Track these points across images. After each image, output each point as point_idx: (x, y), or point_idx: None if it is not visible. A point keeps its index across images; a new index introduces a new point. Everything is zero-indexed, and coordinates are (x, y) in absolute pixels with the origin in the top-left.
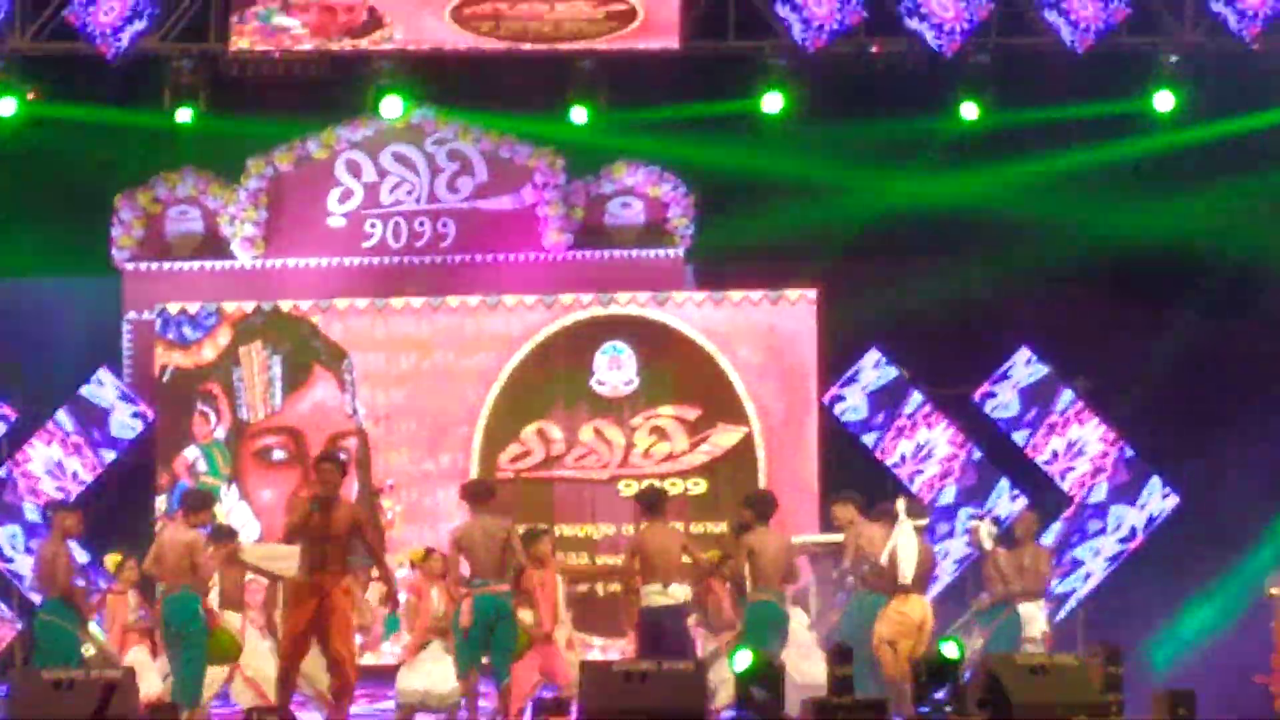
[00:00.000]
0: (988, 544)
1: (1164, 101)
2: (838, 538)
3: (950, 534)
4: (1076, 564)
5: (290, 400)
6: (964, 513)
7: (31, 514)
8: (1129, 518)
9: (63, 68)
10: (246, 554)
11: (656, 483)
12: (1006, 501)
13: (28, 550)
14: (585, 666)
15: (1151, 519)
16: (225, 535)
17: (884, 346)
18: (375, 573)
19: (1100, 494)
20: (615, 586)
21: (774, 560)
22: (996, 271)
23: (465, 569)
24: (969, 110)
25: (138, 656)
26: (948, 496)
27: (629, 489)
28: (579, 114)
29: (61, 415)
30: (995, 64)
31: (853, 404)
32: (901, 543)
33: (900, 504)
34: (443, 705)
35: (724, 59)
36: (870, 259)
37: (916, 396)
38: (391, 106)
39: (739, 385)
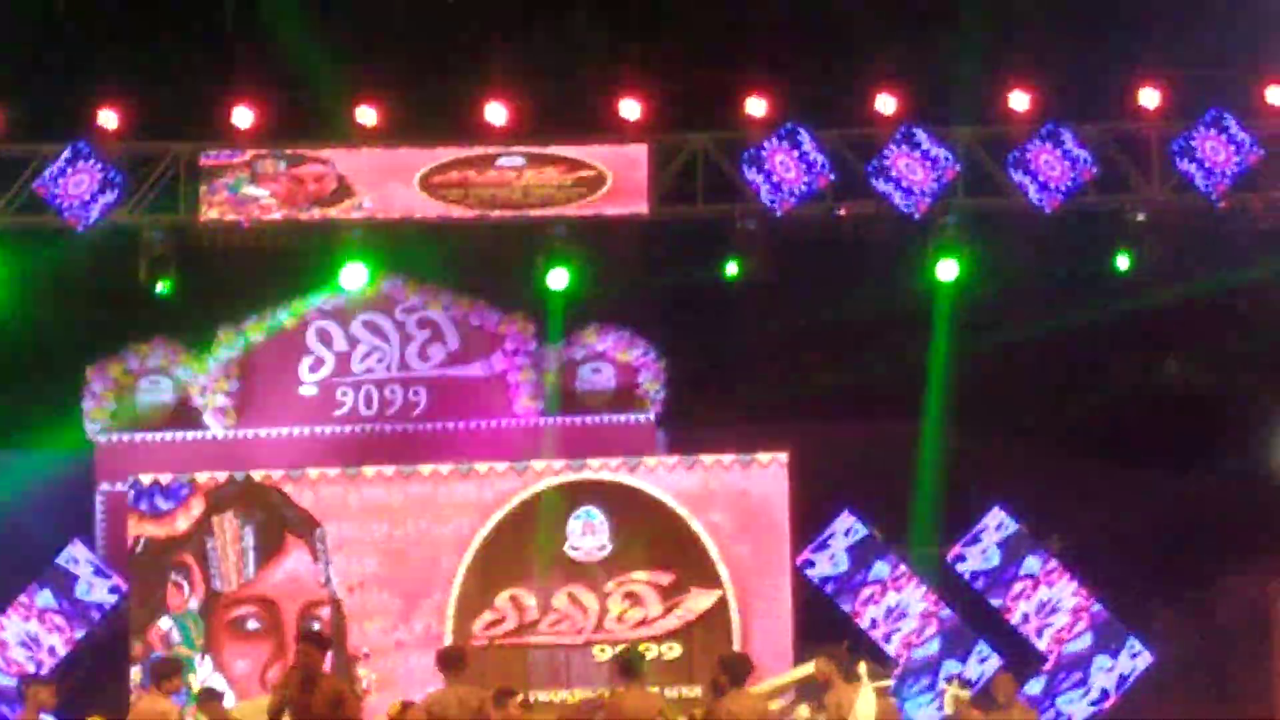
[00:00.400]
0: (950, 708)
1: (1122, 261)
2: (807, 668)
3: (930, 689)
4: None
5: (263, 570)
6: (943, 671)
7: (5, 686)
8: (1100, 678)
9: (34, 239)
10: (235, 712)
11: (637, 647)
12: (975, 663)
13: None
14: None
15: (1124, 678)
16: (211, 697)
17: (856, 508)
18: None
19: (1074, 651)
20: None
21: None
22: (968, 431)
23: None
24: (945, 271)
25: None
26: (921, 656)
27: (603, 654)
28: (557, 278)
29: (35, 588)
30: (964, 225)
31: (826, 566)
32: (861, 707)
33: (862, 666)
34: None
35: (694, 224)
36: (842, 421)
37: (889, 558)
38: (354, 277)
39: (712, 549)
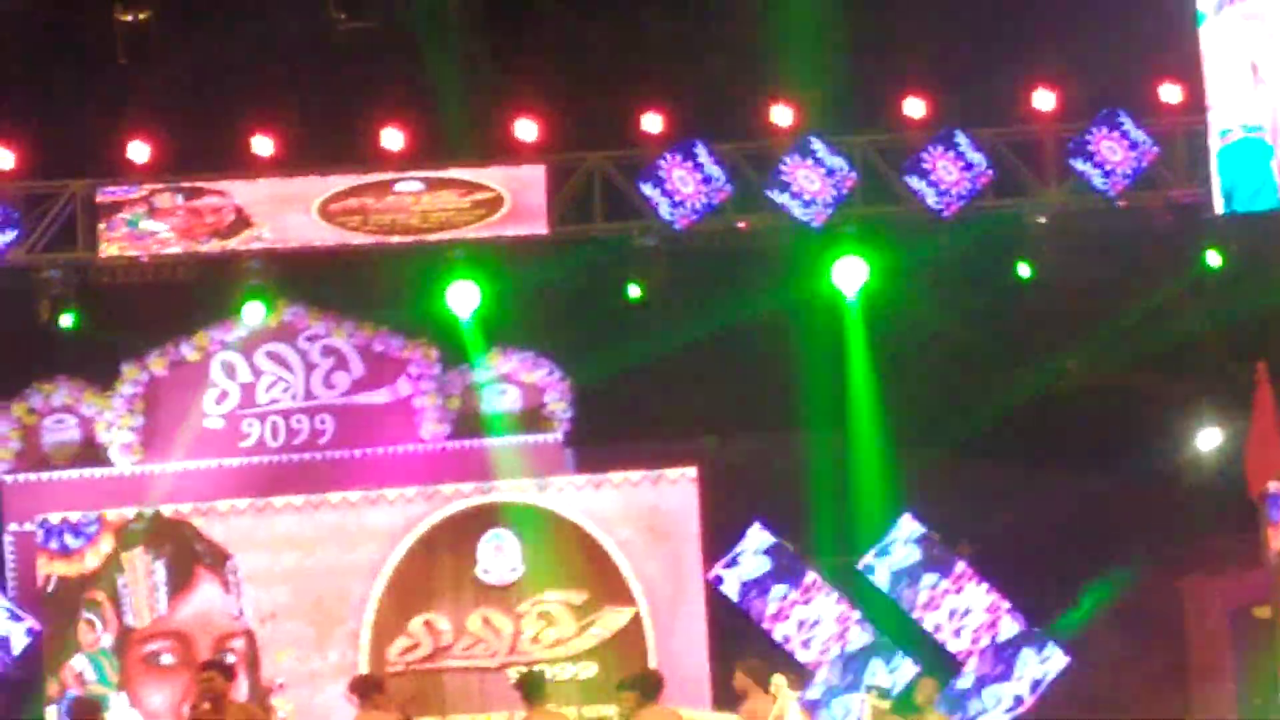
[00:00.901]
0: (866, 716)
1: (1023, 269)
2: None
3: (830, 709)
4: None
5: (175, 604)
6: (858, 679)
7: None
8: (1013, 687)
9: None
10: None
11: (535, 668)
12: (891, 671)
13: None
14: None
15: (1037, 682)
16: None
17: (767, 520)
18: None
19: (988, 658)
20: None
21: None
22: (875, 438)
23: None
24: (845, 280)
25: None
26: (836, 666)
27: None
28: (460, 301)
29: None
30: (863, 234)
31: (738, 579)
32: (788, 716)
33: (778, 678)
34: None
35: (593, 242)
36: (750, 433)
37: (801, 570)
38: (254, 313)
39: (624, 566)
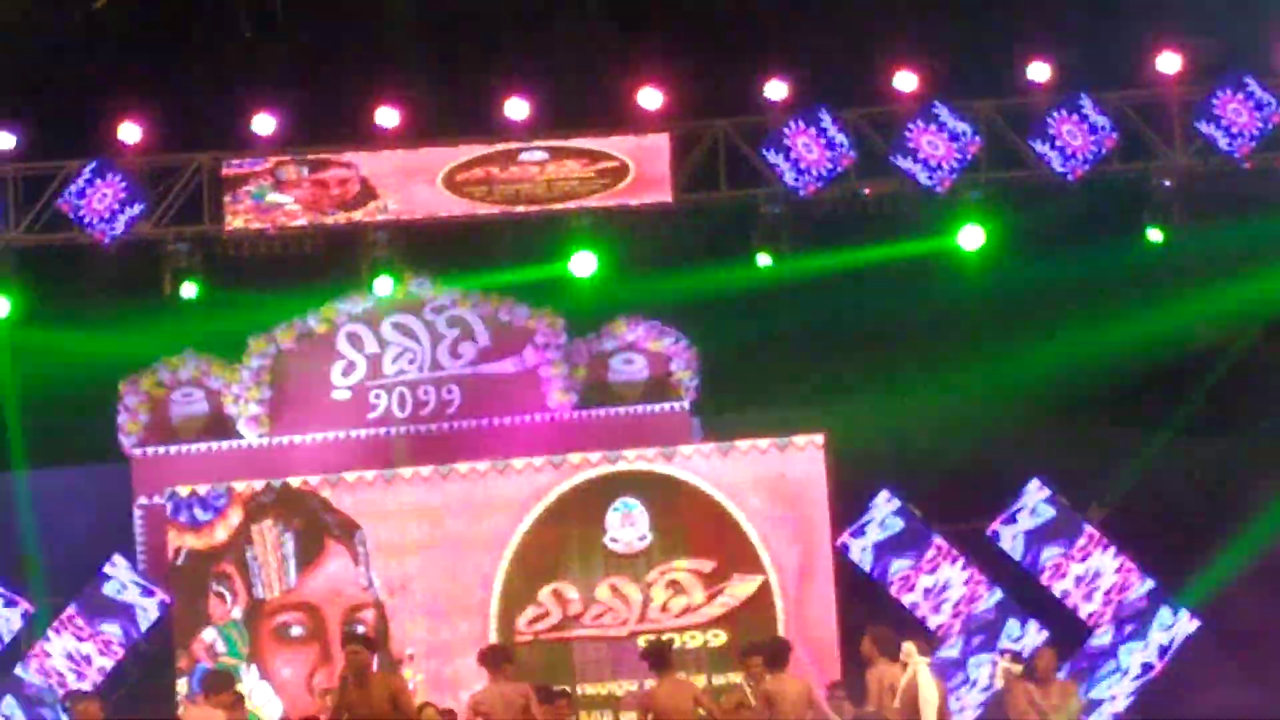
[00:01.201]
0: (1000, 681)
1: (1155, 233)
2: None
3: (966, 670)
4: (1097, 702)
5: (305, 576)
6: (981, 649)
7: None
8: (1146, 648)
9: (59, 257)
10: None
11: (662, 637)
12: (1032, 634)
13: None
14: None
15: (1164, 648)
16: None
17: (895, 487)
18: None
19: (1119, 621)
20: None
21: (794, 706)
22: (1003, 404)
23: None
24: (969, 239)
25: None
26: (965, 630)
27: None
28: (583, 268)
29: (78, 604)
30: (988, 198)
31: (867, 546)
32: (922, 682)
33: (908, 645)
34: None
35: (718, 209)
36: (875, 399)
37: (929, 536)
38: (383, 285)
39: (752, 534)
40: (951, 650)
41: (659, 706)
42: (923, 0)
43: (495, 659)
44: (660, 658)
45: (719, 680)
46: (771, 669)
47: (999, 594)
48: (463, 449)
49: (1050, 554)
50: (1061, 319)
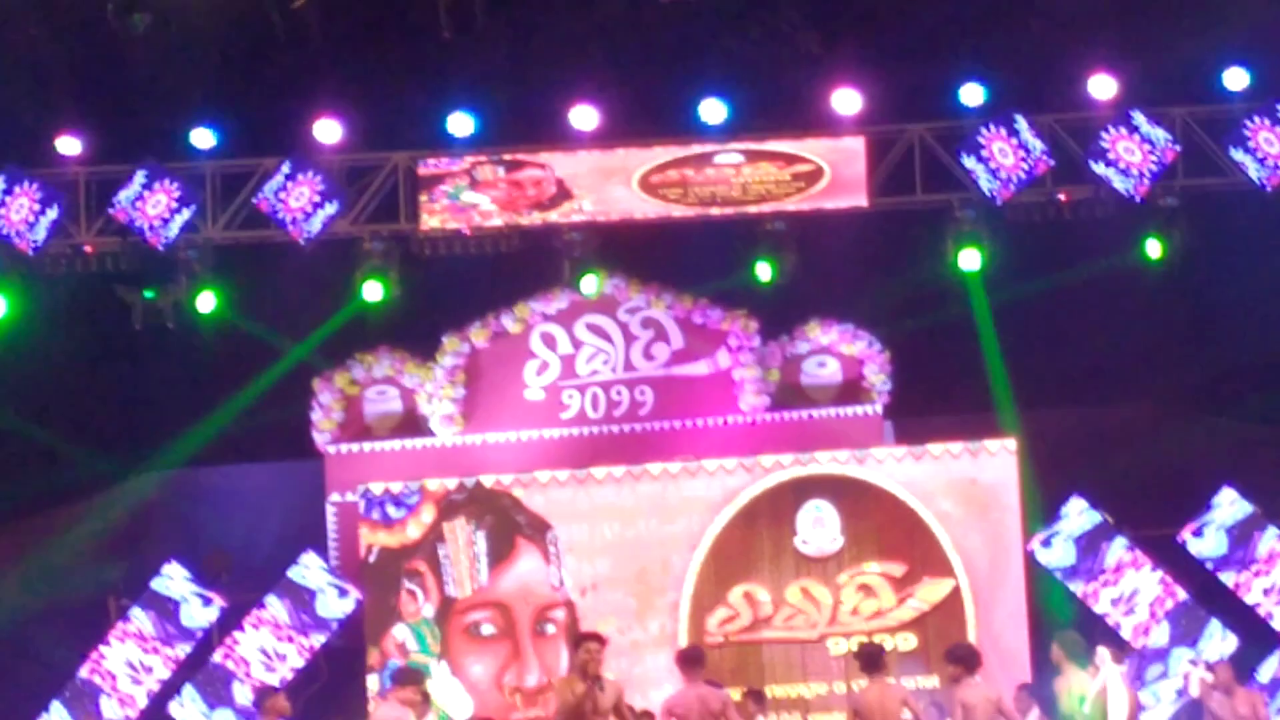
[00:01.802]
0: (1195, 690)
1: None
2: None
3: (1163, 676)
4: None
5: (496, 574)
6: (1179, 654)
7: (243, 698)
8: None
9: (257, 253)
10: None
11: (873, 639)
12: (1218, 642)
13: None
14: None
15: None
16: (409, 679)
17: (1086, 492)
18: None
19: None
20: None
21: (985, 714)
22: (1195, 411)
23: None
24: (1161, 247)
25: None
26: (1157, 640)
27: (838, 647)
28: (777, 267)
29: (270, 600)
30: (1184, 206)
31: (1057, 551)
32: (1112, 690)
33: (1102, 650)
34: None
35: (913, 213)
36: (1068, 406)
37: (1121, 541)
38: (589, 284)
39: (943, 538)
40: (1159, 638)
41: (868, 708)
42: (1119, 6)
43: (692, 660)
44: (873, 660)
45: (908, 684)
46: (965, 675)
47: (1189, 606)
48: (655, 450)
49: (1243, 561)
50: (1257, 327)
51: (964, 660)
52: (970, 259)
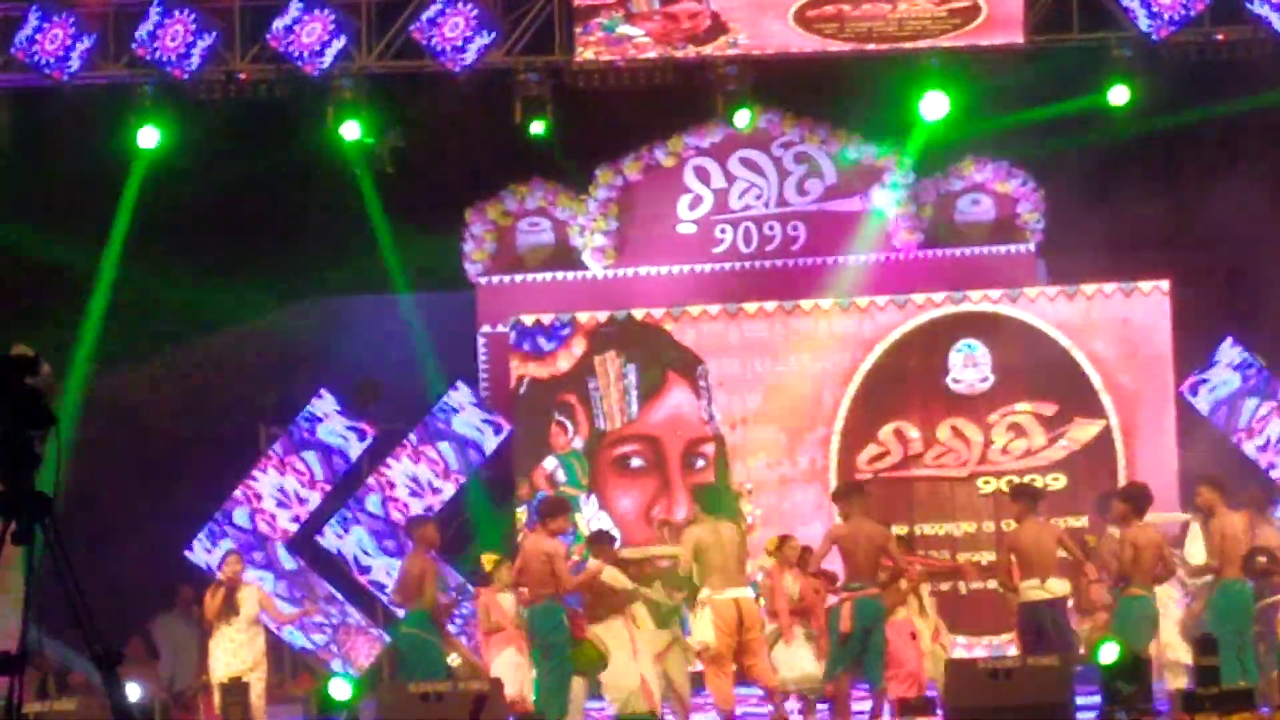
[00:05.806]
0: None
1: None
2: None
3: None
4: None
5: (646, 408)
6: None
7: (375, 508)
8: None
9: (411, 83)
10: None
11: (1025, 478)
12: None
13: (384, 554)
14: (950, 665)
15: None
16: (601, 539)
17: (1239, 335)
18: None
19: None
20: (977, 585)
21: (1151, 555)
22: None
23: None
24: None
25: (509, 658)
26: None
27: (988, 486)
28: (932, 109)
29: (420, 430)
30: None
31: (1210, 394)
32: (1259, 529)
33: (1251, 494)
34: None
35: (1069, 52)
36: (1222, 247)
37: (1273, 386)
38: (742, 118)
39: (1095, 379)
40: None
41: (1023, 547)
42: None
43: (854, 495)
44: (1029, 499)
45: (1057, 523)
46: (1134, 516)
47: None
48: (806, 286)
49: None
50: None
51: (1135, 499)
52: (1120, 95)
